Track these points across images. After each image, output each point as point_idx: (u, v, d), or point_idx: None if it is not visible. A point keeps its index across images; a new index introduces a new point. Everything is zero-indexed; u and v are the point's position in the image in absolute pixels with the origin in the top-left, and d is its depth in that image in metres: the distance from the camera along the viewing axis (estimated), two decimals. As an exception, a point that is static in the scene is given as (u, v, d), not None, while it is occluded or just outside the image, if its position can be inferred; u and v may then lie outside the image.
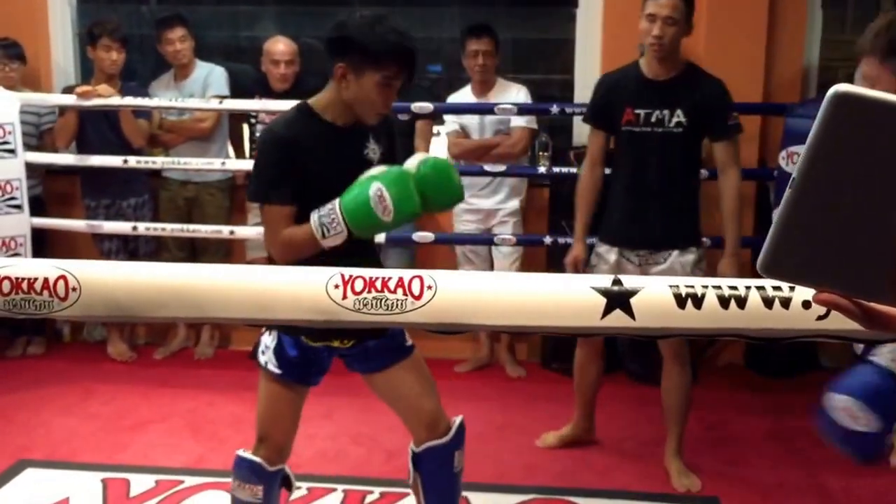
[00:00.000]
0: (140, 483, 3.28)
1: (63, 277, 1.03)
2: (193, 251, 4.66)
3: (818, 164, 0.65)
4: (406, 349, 2.48)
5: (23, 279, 1.03)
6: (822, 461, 3.41)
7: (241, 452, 2.48)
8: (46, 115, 4.61)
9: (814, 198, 0.66)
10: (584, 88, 4.62)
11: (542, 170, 4.38)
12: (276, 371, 2.38)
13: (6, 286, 1.04)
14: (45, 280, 1.03)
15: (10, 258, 1.01)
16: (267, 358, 2.39)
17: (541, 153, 4.55)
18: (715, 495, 3.27)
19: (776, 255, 0.68)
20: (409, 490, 3.22)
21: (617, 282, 0.91)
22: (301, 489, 3.19)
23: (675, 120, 3.19)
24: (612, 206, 3.37)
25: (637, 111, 3.21)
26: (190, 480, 3.29)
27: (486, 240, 4.43)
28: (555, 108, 4.21)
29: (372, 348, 2.43)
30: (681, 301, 0.89)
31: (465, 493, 3.22)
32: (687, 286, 0.90)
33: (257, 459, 2.43)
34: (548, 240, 4.30)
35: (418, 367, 2.50)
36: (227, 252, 4.70)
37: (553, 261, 4.47)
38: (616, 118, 3.26)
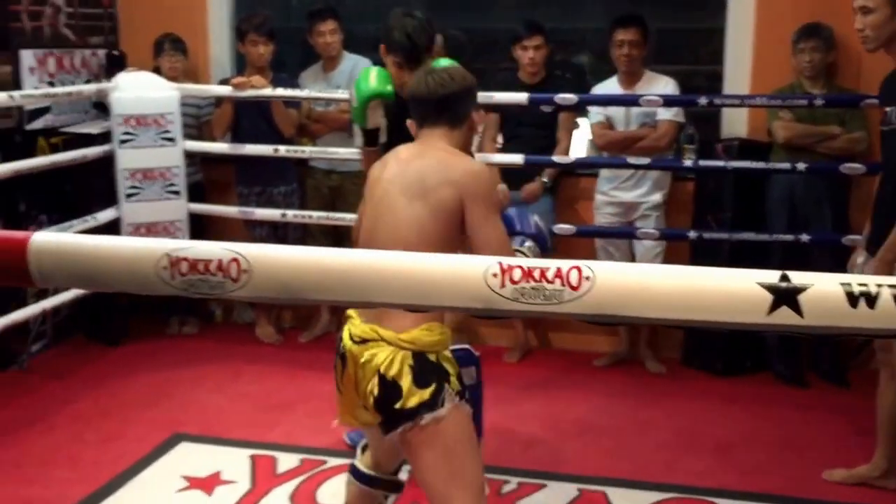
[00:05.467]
0: (286, 461, 3.40)
1: (236, 260, 1.08)
2: (337, 239, 4.78)
3: None
4: None
5: (199, 261, 1.08)
6: None
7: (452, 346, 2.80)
8: (206, 106, 4.82)
9: None
10: (734, 79, 4.48)
11: (687, 163, 4.27)
12: None
13: (184, 267, 1.09)
14: (220, 262, 1.07)
15: (188, 241, 1.08)
16: None
17: (686, 146, 4.43)
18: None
19: None
20: (545, 482, 3.24)
21: (784, 277, 0.89)
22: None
23: None
24: (875, 213, 3.00)
25: (888, 108, 2.89)
26: (333, 461, 3.37)
27: (627, 233, 4.36)
28: (703, 100, 4.08)
29: None
30: (853, 299, 0.86)
31: (603, 488, 3.21)
32: (860, 284, 0.86)
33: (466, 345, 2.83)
34: (692, 234, 4.20)
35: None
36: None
37: (697, 256, 4.35)
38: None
